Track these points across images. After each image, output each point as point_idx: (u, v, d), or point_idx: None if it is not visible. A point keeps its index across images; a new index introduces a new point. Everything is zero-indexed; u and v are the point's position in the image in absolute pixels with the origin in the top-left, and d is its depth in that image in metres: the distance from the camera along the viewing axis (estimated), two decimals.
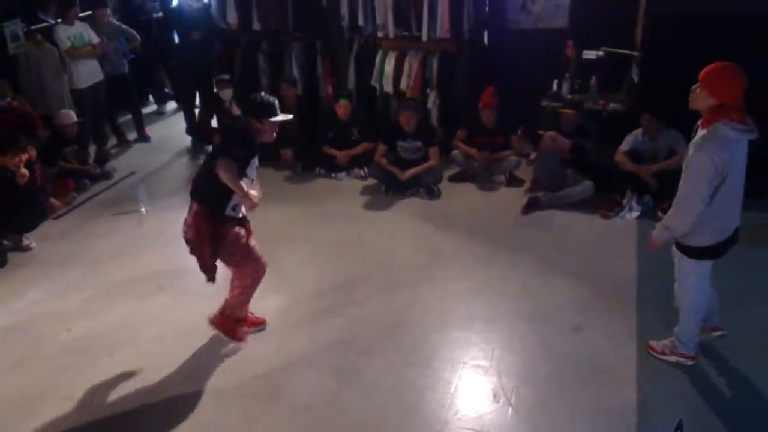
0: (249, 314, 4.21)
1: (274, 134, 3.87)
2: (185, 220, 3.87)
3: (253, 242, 3.99)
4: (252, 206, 3.76)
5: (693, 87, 3.28)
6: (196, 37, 7.55)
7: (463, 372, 3.77)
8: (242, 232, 3.89)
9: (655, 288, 4.45)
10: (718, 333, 3.87)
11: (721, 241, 3.42)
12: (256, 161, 3.87)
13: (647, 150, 5.61)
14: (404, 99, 6.83)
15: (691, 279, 3.53)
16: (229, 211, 3.81)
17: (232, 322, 4.09)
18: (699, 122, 3.33)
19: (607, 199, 5.72)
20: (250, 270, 3.95)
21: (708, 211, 3.27)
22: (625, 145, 5.67)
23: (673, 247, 3.61)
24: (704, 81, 3.22)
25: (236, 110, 6.98)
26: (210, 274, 3.92)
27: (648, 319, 4.17)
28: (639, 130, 5.61)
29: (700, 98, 3.25)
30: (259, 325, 4.26)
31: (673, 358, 3.73)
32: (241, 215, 3.90)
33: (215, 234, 3.78)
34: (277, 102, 3.85)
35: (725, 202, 3.29)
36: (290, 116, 4.00)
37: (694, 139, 3.29)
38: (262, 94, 3.93)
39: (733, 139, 3.18)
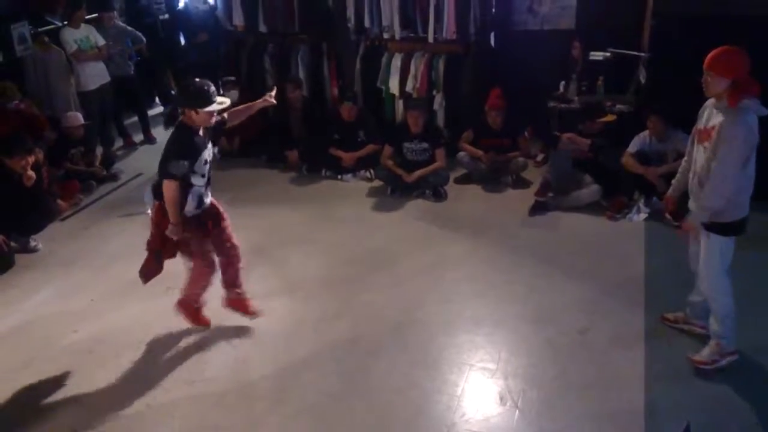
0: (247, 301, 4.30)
1: (212, 120, 3.77)
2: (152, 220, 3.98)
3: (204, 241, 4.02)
4: (172, 233, 3.81)
5: (703, 78, 3.39)
6: (203, 38, 7.58)
7: (469, 374, 3.76)
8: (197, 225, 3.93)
9: (663, 290, 4.43)
10: (699, 330, 3.90)
11: (745, 216, 3.50)
12: (206, 156, 3.80)
13: (654, 152, 5.59)
14: (412, 99, 6.82)
15: (716, 259, 3.53)
16: (193, 203, 3.86)
17: (193, 308, 4.23)
18: (709, 102, 3.50)
19: (614, 201, 5.70)
20: (197, 264, 4.07)
21: (738, 185, 3.37)
22: (633, 147, 5.64)
23: (695, 239, 3.67)
24: (711, 67, 3.34)
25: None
26: (146, 276, 4.05)
27: (655, 321, 4.15)
28: (646, 132, 5.59)
29: (713, 84, 3.35)
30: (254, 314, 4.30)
31: (725, 361, 3.65)
32: (196, 212, 3.91)
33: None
34: (212, 88, 3.71)
35: (748, 175, 3.40)
36: (227, 101, 3.88)
37: (721, 119, 3.33)
38: (196, 81, 3.75)
39: (758, 112, 3.32)
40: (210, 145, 3.87)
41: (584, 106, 6.31)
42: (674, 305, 4.07)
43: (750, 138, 3.28)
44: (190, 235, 3.91)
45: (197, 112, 3.67)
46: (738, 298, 3.59)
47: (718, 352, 3.64)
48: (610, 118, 6.01)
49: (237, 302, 4.26)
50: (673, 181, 3.87)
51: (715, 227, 3.51)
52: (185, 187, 3.76)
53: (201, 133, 3.77)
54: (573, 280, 4.69)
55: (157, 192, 3.81)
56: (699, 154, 3.51)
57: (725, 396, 3.50)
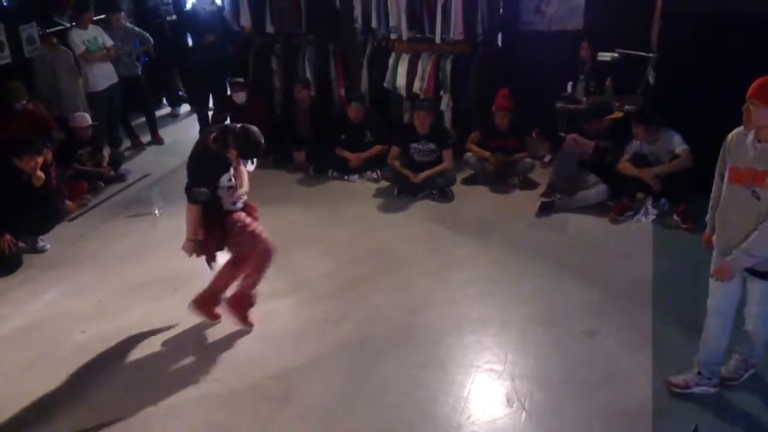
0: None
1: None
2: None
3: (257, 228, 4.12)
4: (187, 249, 4.01)
5: (744, 107, 3.00)
6: (210, 40, 7.59)
7: (476, 375, 3.75)
8: (244, 219, 4.06)
9: (671, 291, 4.41)
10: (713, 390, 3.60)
11: None
12: (226, 178, 3.97)
13: (650, 153, 5.58)
14: (419, 100, 6.81)
15: None
16: (227, 205, 4.01)
17: (244, 306, 4.22)
18: (736, 134, 3.16)
19: (617, 203, 5.68)
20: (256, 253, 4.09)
21: None
22: (627, 153, 5.66)
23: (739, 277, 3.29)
24: (756, 95, 2.95)
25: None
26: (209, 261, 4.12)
27: (663, 323, 4.13)
28: None
29: (756, 114, 2.95)
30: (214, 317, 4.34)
31: (747, 375, 3.56)
32: (239, 206, 4.08)
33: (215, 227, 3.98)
34: (261, 150, 3.91)
35: None
36: (252, 168, 4.11)
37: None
38: (257, 136, 3.87)
39: None
40: (230, 169, 3.99)
41: (591, 105, 6.29)
42: (681, 307, 4.05)
43: None
44: (242, 228, 4.03)
45: (236, 157, 3.88)
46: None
47: (744, 367, 3.55)
48: (618, 115, 5.98)
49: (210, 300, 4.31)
50: (706, 219, 3.46)
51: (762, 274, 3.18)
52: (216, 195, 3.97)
53: (224, 159, 3.91)
54: (580, 282, 4.67)
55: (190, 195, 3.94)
56: (739, 198, 3.10)
57: (733, 398, 3.48)
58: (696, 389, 3.50)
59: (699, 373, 3.50)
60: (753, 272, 3.19)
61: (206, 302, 4.26)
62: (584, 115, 6.14)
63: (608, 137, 5.84)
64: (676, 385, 3.53)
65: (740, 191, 3.09)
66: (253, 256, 4.08)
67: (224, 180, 3.95)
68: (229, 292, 4.24)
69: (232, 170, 4.00)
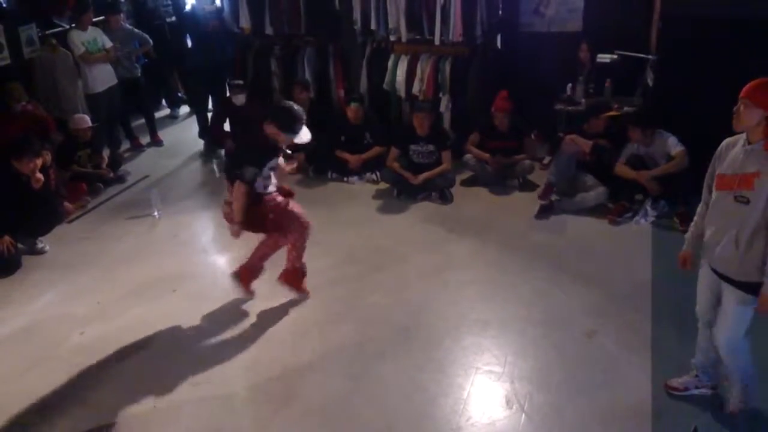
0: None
1: (286, 145, 4.25)
2: (226, 200, 4.33)
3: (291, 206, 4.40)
4: (236, 233, 4.26)
5: (735, 107, 2.96)
6: (209, 39, 7.59)
7: (475, 377, 3.75)
8: (278, 199, 4.33)
9: (670, 293, 4.41)
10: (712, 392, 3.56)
11: None
12: (272, 164, 4.20)
13: (646, 156, 5.59)
14: (419, 101, 6.82)
15: (743, 324, 3.12)
16: (260, 188, 4.19)
17: (297, 277, 4.56)
18: (727, 143, 3.10)
19: (616, 204, 5.69)
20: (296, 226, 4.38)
21: None
22: (623, 156, 5.68)
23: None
24: (749, 95, 2.90)
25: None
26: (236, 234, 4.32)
27: (662, 324, 4.13)
28: None
29: (746, 115, 2.91)
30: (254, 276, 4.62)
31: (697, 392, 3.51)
32: (271, 189, 4.31)
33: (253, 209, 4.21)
34: (304, 122, 4.15)
35: None
36: (307, 138, 4.23)
37: (759, 165, 2.89)
38: (298, 109, 4.16)
39: None
40: (278, 158, 4.27)
41: (588, 105, 6.29)
42: (681, 309, 4.04)
43: None
44: (278, 208, 4.30)
45: (280, 134, 4.09)
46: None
47: (742, 399, 3.34)
48: (614, 113, 5.98)
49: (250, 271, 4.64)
50: (691, 227, 3.37)
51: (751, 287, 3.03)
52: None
53: (274, 144, 4.18)
54: (580, 283, 4.67)
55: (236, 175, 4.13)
56: (726, 203, 3.01)
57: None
58: (695, 391, 3.51)
59: (696, 376, 3.51)
60: (729, 280, 3.06)
61: (245, 275, 4.56)
62: (583, 115, 6.15)
63: (606, 137, 5.85)
64: (674, 388, 3.54)
65: (723, 197, 3.03)
66: (290, 233, 4.38)
67: (272, 163, 4.19)
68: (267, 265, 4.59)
69: (277, 160, 4.24)
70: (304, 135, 4.17)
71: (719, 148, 3.13)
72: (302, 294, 4.60)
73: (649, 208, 5.62)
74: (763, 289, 2.93)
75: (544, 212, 5.78)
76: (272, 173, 4.25)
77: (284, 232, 4.38)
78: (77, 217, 6.17)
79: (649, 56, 6.20)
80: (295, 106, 4.18)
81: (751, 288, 2.99)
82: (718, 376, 3.48)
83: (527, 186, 6.38)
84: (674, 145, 5.38)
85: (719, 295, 3.18)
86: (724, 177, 3.04)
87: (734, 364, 3.22)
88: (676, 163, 5.36)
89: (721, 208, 3.05)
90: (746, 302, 3.03)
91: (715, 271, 3.15)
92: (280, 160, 4.34)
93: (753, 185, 2.89)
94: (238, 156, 4.27)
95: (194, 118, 8.62)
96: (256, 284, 4.62)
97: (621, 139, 5.74)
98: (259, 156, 4.12)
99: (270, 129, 4.08)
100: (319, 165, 6.95)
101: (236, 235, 4.27)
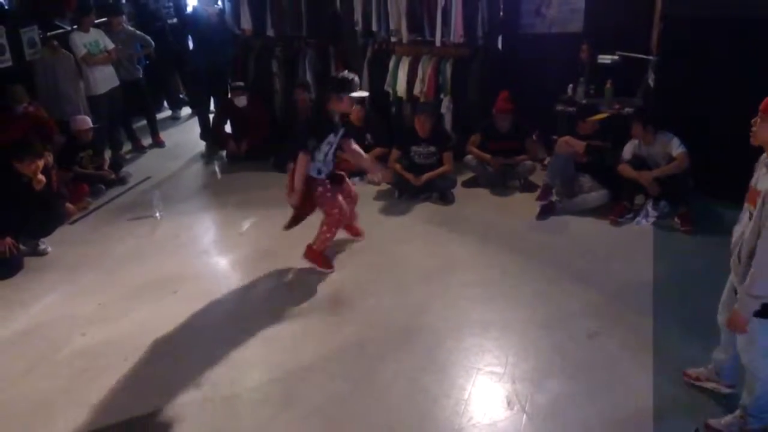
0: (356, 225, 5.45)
1: (351, 108, 4.77)
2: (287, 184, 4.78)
3: (336, 195, 4.81)
4: (294, 200, 4.72)
5: (753, 120, 2.86)
6: (211, 41, 7.60)
7: (477, 378, 3.75)
8: (325, 189, 4.76)
9: (671, 294, 4.41)
10: (726, 390, 3.51)
11: None
12: (330, 139, 4.64)
13: (648, 156, 5.59)
14: (420, 103, 6.82)
15: (764, 341, 3.00)
16: (314, 173, 4.67)
17: (321, 254, 4.94)
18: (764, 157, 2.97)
19: (617, 205, 5.69)
20: (334, 217, 4.82)
21: None
22: (626, 154, 5.68)
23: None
24: (766, 109, 2.82)
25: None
26: (294, 222, 4.96)
27: (664, 325, 4.12)
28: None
29: (763, 130, 2.83)
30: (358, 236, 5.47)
31: None
32: (324, 176, 4.75)
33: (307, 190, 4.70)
34: (356, 80, 4.53)
35: None
36: (366, 93, 4.92)
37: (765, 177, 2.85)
38: (345, 72, 4.60)
39: None
40: (338, 134, 4.70)
41: (578, 108, 6.29)
42: (683, 311, 4.05)
43: None
44: (322, 192, 4.74)
45: (340, 98, 4.45)
46: None
47: (740, 426, 3.20)
48: (602, 116, 5.98)
49: (350, 228, 5.37)
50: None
51: (762, 312, 2.92)
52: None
53: (336, 119, 4.61)
54: (581, 285, 4.67)
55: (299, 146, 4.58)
56: (745, 217, 2.98)
57: (735, 402, 3.47)
58: (708, 385, 3.52)
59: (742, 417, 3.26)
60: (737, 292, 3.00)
61: (317, 252, 4.94)
62: (575, 117, 6.17)
63: (600, 137, 5.85)
64: (690, 375, 3.57)
65: (746, 211, 2.98)
66: (326, 218, 4.82)
67: (329, 139, 4.61)
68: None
69: (337, 135, 4.67)
70: (360, 92, 4.65)
71: (758, 162, 2.99)
72: (330, 270, 4.94)
73: (650, 208, 5.61)
74: (735, 305, 2.93)
75: (545, 213, 5.77)
76: (328, 158, 4.70)
77: (326, 209, 4.79)
78: (79, 219, 6.18)
79: (650, 57, 6.20)
80: (342, 72, 4.62)
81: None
82: (736, 375, 3.39)
83: (528, 187, 6.38)
84: (676, 147, 5.38)
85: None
86: (750, 189, 2.97)
87: (756, 374, 3.08)
88: (677, 165, 5.36)
89: (742, 220, 3.01)
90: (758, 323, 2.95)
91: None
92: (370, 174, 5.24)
93: (755, 203, 2.85)
94: (300, 133, 4.72)
95: (196, 119, 8.65)
96: (259, 282, 4.63)
97: (618, 138, 5.75)
98: (319, 130, 4.56)
99: (331, 103, 4.49)
100: None
101: (294, 203, 4.74)
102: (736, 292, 3.01)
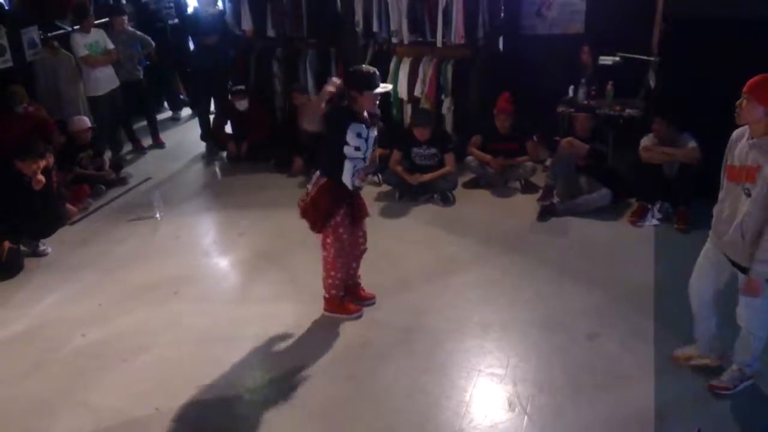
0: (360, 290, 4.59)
1: (374, 104, 4.06)
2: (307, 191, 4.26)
3: (344, 233, 4.25)
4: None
5: (738, 102, 3.10)
6: (212, 41, 7.60)
7: (478, 380, 3.74)
8: (342, 220, 4.19)
9: (672, 295, 4.39)
10: (715, 363, 3.68)
11: None
12: (359, 130, 3.98)
13: None
14: (418, 112, 6.80)
15: (764, 302, 3.23)
16: (349, 173, 4.08)
17: (337, 301, 4.40)
18: (736, 134, 3.22)
19: (636, 206, 5.67)
20: (332, 253, 4.23)
21: None
22: (644, 142, 5.65)
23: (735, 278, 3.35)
24: (751, 91, 3.04)
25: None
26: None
27: (665, 326, 4.12)
28: (650, 135, 5.61)
29: (748, 110, 3.05)
30: (368, 299, 4.56)
31: (743, 386, 3.49)
32: (357, 181, 4.17)
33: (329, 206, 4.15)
34: (378, 75, 4.00)
35: None
36: (389, 87, 4.37)
37: (762, 159, 3.02)
38: (363, 66, 4.11)
39: None
40: (361, 126, 4.02)
41: (579, 109, 6.27)
42: (684, 311, 4.03)
43: None
44: (337, 222, 4.18)
45: (362, 95, 3.93)
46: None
47: (740, 377, 3.49)
48: (582, 114, 5.96)
49: (355, 291, 4.56)
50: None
51: None
52: (342, 159, 4.03)
53: (361, 119, 4.01)
54: (582, 286, 4.66)
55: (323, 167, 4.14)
56: (733, 195, 3.19)
57: (736, 403, 3.47)
58: (700, 362, 3.70)
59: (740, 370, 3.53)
60: (740, 267, 3.23)
61: (332, 301, 4.42)
62: (571, 119, 6.17)
63: (598, 139, 5.84)
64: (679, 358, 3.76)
65: (734, 189, 3.18)
66: (324, 256, 4.29)
67: (355, 128, 3.97)
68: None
69: (371, 134, 4.07)
70: (383, 87, 4.07)
71: (730, 139, 3.26)
72: (356, 313, 4.43)
73: (656, 210, 5.61)
74: (750, 273, 3.13)
75: (547, 214, 5.77)
76: (367, 155, 4.10)
77: (326, 250, 4.26)
78: (79, 220, 6.17)
79: (651, 58, 6.20)
80: (364, 67, 4.13)
81: None
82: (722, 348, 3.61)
83: (529, 188, 6.37)
84: (690, 141, 5.37)
85: (722, 275, 3.39)
86: (734, 169, 3.19)
87: (756, 332, 3.34)
88: (688, 153, 5.33)
89: (732, 198, 3.19)
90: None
91: (725, 255, 3.30)
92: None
93: (755, 178, 3.04)
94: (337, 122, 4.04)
95: (196, 120, 8.63)
96: (259, 283, 4.61)
97: (619, 140, 5.74)
98: (335, 127, 3.99)
99: (356, 100, 3.95)
100: None
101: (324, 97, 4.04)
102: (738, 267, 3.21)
